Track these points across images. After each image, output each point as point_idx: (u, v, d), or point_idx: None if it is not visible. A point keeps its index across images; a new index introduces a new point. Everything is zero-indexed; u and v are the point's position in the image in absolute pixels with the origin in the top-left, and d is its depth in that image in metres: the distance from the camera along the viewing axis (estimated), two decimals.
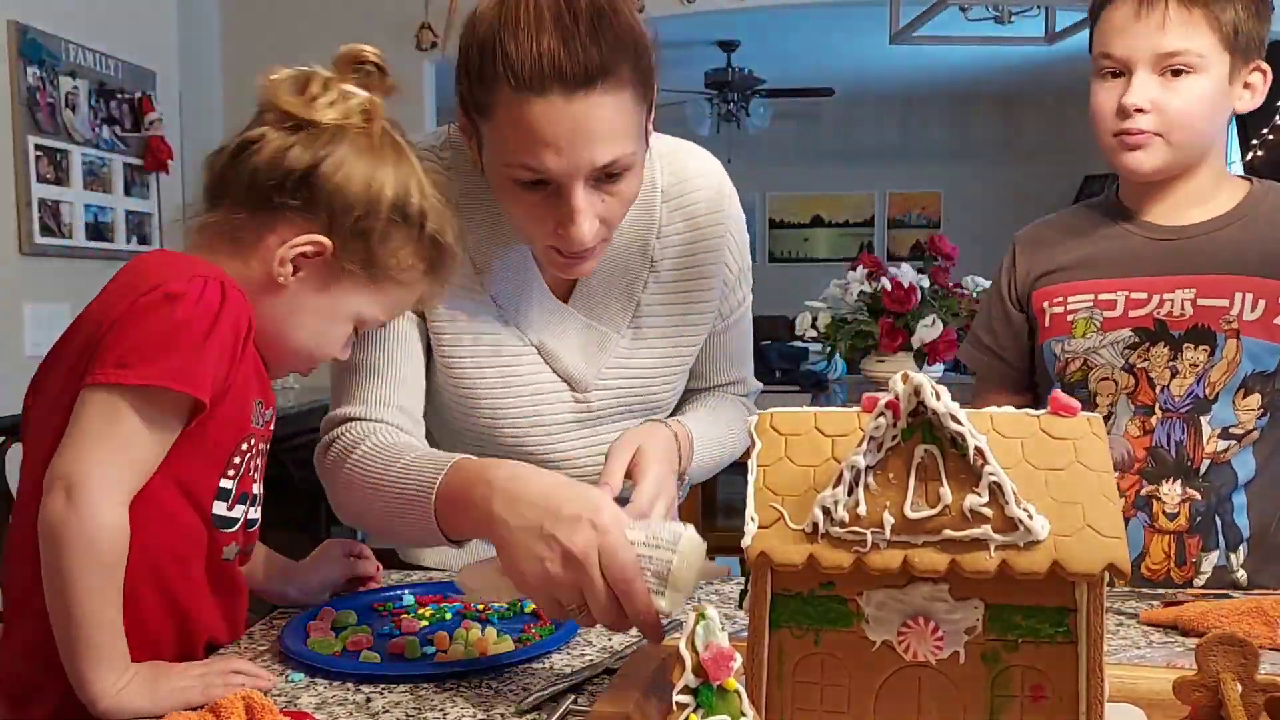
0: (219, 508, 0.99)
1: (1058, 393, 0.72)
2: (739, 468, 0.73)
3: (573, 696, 0.90)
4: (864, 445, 0.66)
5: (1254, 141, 5.70)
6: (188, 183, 3.68)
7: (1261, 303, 1.27)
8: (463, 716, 0.88)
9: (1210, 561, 1.31)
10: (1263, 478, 1.32)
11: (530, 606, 1.13)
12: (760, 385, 1.46)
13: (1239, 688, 0.72)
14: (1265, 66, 1.29)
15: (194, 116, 3.92)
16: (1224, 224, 1.31)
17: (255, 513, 1.06)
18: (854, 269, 3.31)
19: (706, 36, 6.49)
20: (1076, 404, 0.71)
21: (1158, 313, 1.30)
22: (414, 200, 1.02)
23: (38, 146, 2.98)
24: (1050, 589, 0.66)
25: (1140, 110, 1.25)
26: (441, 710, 0.90)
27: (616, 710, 0.80)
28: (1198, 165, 1.31)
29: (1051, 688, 0.67)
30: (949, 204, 8.78)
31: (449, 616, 1.13)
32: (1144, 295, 1.31)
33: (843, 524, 0.65)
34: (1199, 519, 1.30)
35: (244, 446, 1.00)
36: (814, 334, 3.38)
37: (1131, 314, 1.31)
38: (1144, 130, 1.26)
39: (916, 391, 0.65)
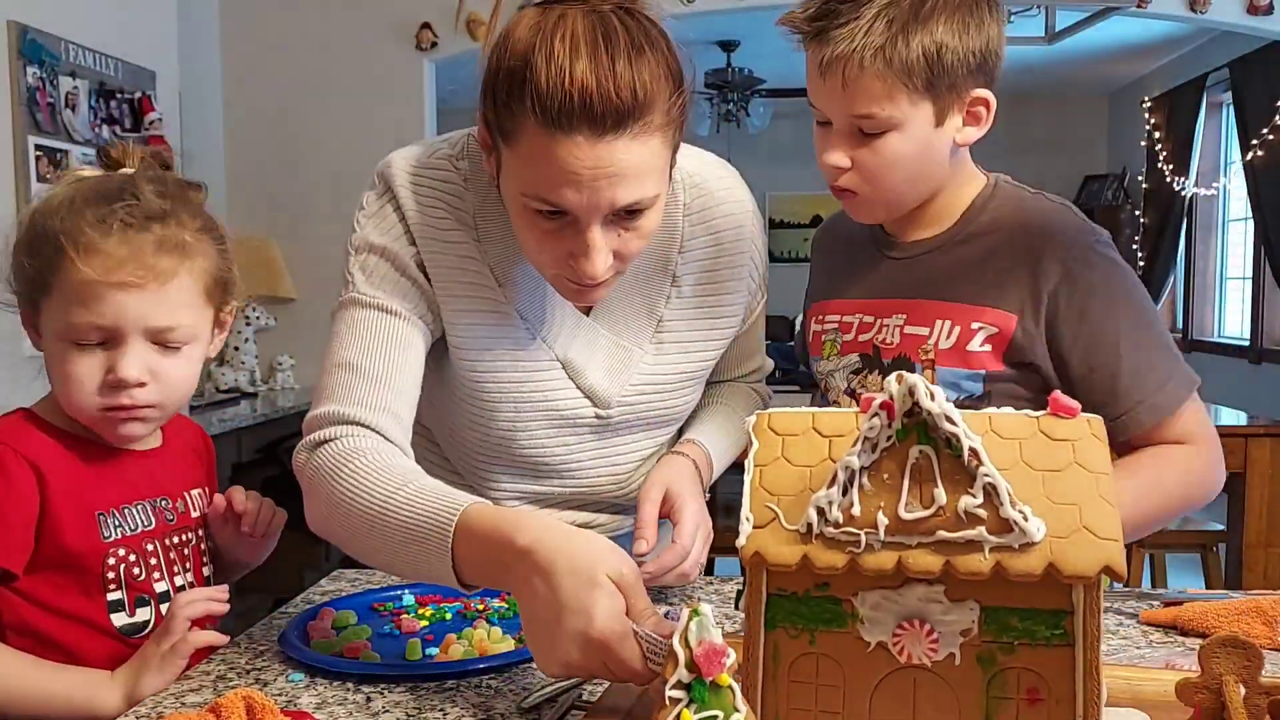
0: (118, 619, 1.05)
1: (1057, 394, 0.72)
2: (738, 468, 0.73)
3: (573, 696, 0.90)
4: (859, 446, 0.66)
5: (1254, 142, 5.70)
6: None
7: (956, 329, 1.21)
8: (463, 716, 0.89)
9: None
10: None
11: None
12: (771, 363, 1.45)
13: (1242, 690, 0.72)
14: (986, 96, 1.19)
15: (194, 116, 3.93)
16: (943, 242, 1.24)
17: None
18: None
19: (706, 36, 6.49)
20: (1076, 405, 0.71)
21: (876, 339, 1.26)
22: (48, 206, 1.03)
23: (38, 146, 2.98)
24: (1047, 591, 0.66)
25: (839, 169, 1.18)
26: (441, 710, 0.90)
27: (616, 710, 0.80)
28: (934, 194, 1.24)
29: (1048, 690, 0.67)
30: None
31: (449, 617, 1.14)
32: (871, 319, 1.27)
33: (837, 524, 0.66)
34: None
35: (111, 561, 1.04)
36: None
37: (860, 338, 1.28)
38: (847, 188, 1.19)
39: (911, 392, 0.65)
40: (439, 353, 1.19)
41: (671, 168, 1.08)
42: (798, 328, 1.41)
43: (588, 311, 1.22)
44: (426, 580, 0.97)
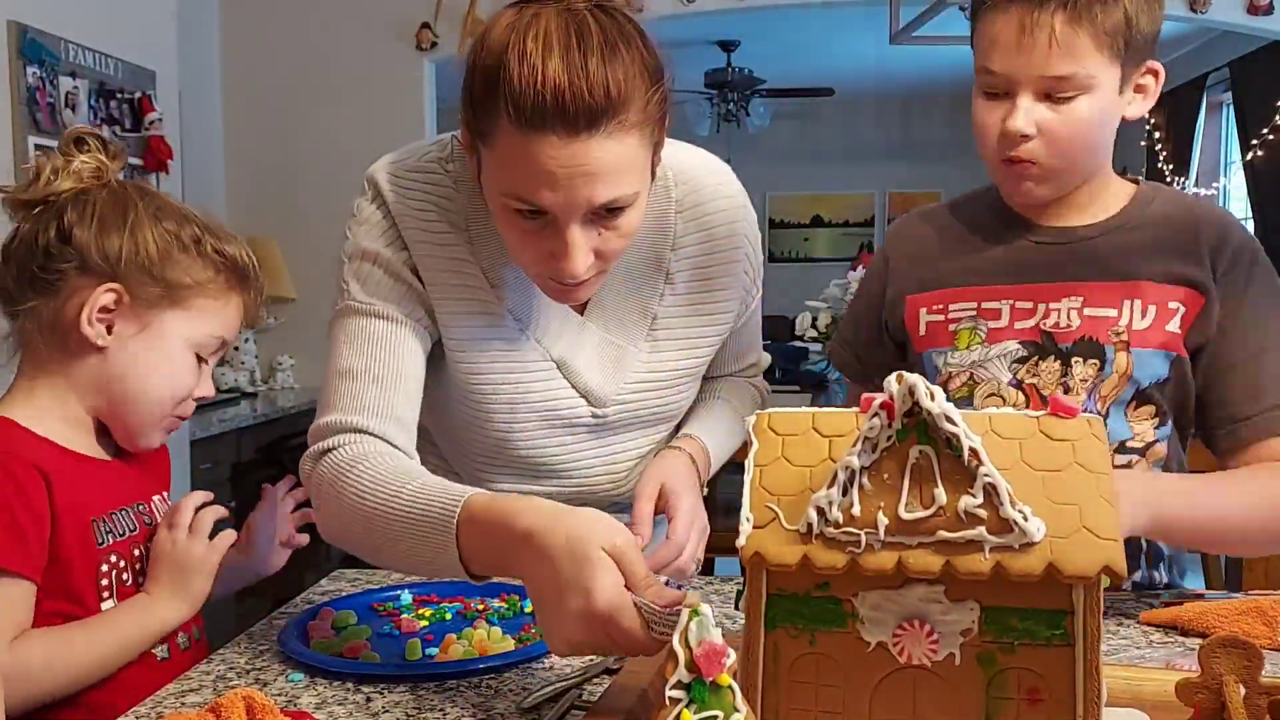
0: None
1: (1058, 394, 0.72)
2: (738, 468, 0.73)
3: (573, 696, 0.90)
4: (859, 446, 0.66)
5: (1254, 141, 5.70)
6: (188, 183, 3.68)
7: (1152, 309, 1.20)
8: (463, 716, 0.89)
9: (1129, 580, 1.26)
10: None
11: (530, 607, 1.14)
12: (769, 357, 1.45)
13: (1242, 690, 0.72)
14: (1157, 66, 1.20)
15: (194, 116, 3.92)
16: (1109, 229, 1.23)
17: None
18: (854, 269, 3.31)
19: (706, 36, 6.49)
20: (1076, 405, 0.71)
21: (1044, 323, 1.22)
22: (173, 221, 1.09)
23: (38, 146, 2.97)
24: (1047, 591, 0.66)
25: (1025, 136, 1.15)
26: (441, 710, 0.90)
27: (616, 710, 0.80)
28: (1082, 181, 1.23)
29: (1048, 690, 0.67)
30: None
31: (449, 617, 1.14)
32: (1029, 305, 1.23)
33: (837, 524, 0.66)
34: None
35: (104, 568, 1.05)
36: (814, 334, 3.39)
37: (1017, 325, 1.23)
38: (1031, 160, 1.17)
39: (911, 392, 0.65)
40: (436, 354, 1.18)
41: (655, 165, 1.08)
42: (885, 320, 1.34)
43: (582, 311, 1.21)
44: (441, 575, 0.99)
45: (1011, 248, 1.26)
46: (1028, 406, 1.22)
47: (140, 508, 1.11)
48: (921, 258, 1.31)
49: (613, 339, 1.22)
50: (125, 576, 1.07)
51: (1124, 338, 1.20)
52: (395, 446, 1.07)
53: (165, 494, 1.19)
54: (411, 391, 1.12)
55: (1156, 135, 7.01)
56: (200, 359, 1.10)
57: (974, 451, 0.65)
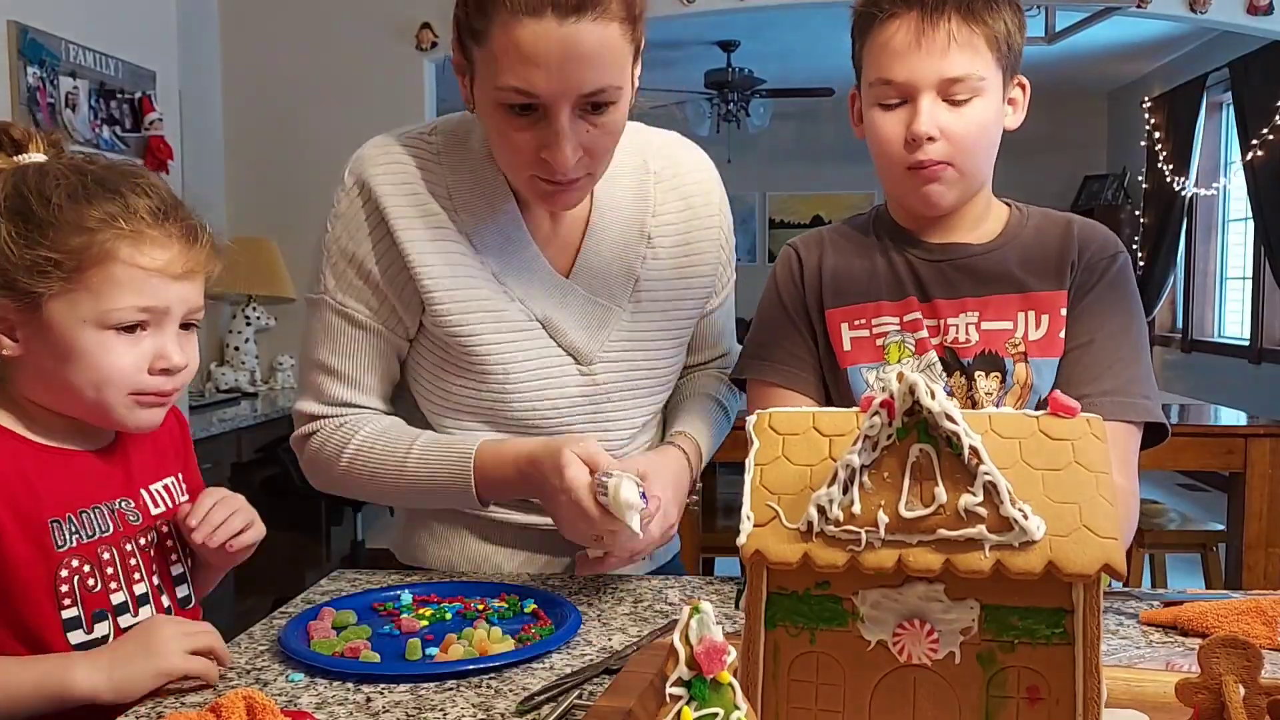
0: (76, 636, 0.98)
1: (1058, 394, 0.72)
2: (738, 467, 0.73)
3: (573, 696, 0.90)
4: (859, 444, 0.66)
5: (1254, 141, 5.70)
6: (188, 183, 3.68)
7: (1045, 318, 1.23)
8: (463, 716, 0.89)
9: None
10: None
11: (530, 606, 1.14)
12: (739, 349, 1.47)
13: (1242, 690, 0.72)
14: (1024, 80, 1.25)
15: (194, 116, 3.93)
16: (998, 245, 1.26)
17: (136, 616, 1.03)
18: None
19: (706, 36, 6.49)
20: (1076, 405, 0.71)
21: (945, 339, 1.25)
22: (22, 193, 0.98)
23: None
24: (1047, 590, 0.66)
25: (931, 139, 1.17)
26: (441, 710, 0.90)
27: (616, 709, 0.80)
28: (977, 190, 1.26)
29: (1048, 689, 0.67)
30: None
31: (449, 617, 1.14)
32: (935, 322, 1.25)
33: (837, 523, 0.66)
34: None
35: (63, 574, 0.98)
36: None
37: (933, 340, 1.25)
38: (937, 161, 1.19)
39: (912, 391, 0.65)
40: (425, 334, 1.25)
41: (634, 79, 1.15)
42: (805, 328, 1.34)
43: (568, 273, 1.27)
44: (448, 505, 1.27)
45: (909, 267, 1.28)
46: None
47: (122, 504, 1.04)
48: (833, 271, 1.31)
49: (597, 299, 1.28)
50: (92, 581, 1.00)
51: (1021, 349, 1.23)
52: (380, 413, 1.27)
53: (178, 476, 1.13)
54: (377, 385, 1.28)
55: (1156, 135, 7.01)
56: (129, 330, 0.99)
57: (974, 450, 0.65)
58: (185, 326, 1.05)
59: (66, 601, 0.98)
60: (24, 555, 0.96)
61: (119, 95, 3.31)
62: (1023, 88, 1.26)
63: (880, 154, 1.23)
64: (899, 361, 1.26)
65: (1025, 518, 0.64)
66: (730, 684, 0.62)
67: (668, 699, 0.62)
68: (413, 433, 1.26)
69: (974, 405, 1.23)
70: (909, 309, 1.26)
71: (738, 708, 0.62)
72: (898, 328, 1.26)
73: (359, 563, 1.17)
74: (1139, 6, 4.19)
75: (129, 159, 1.11)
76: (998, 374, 1.24)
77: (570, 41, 1.05)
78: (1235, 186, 6.45)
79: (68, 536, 0.99)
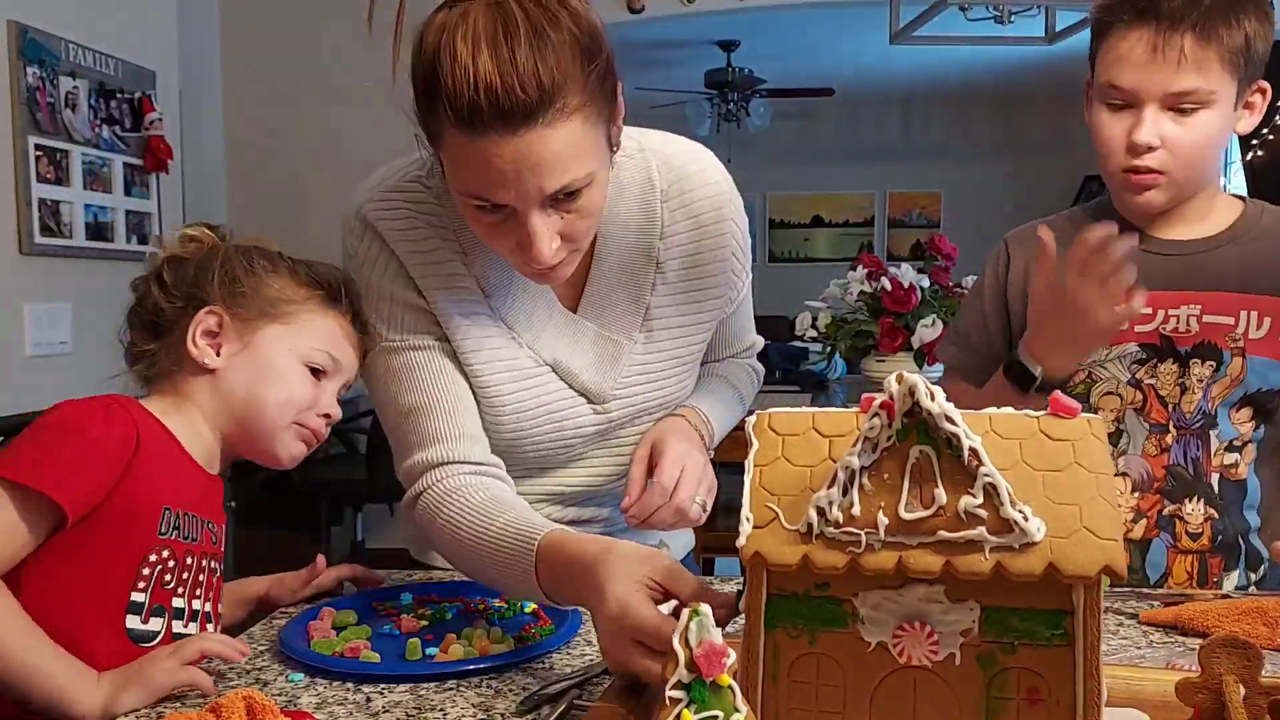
0: (131, 621, 1.02)
1: (1058, 394, 0.72)
2: (738, 467, 0.73)
3: (573, 696, 0.90)
4: (859, 446, 0.66)
5: (1254, 141, 5.70)
6: (188, 183, 3.68)
7: (1267, 320, 1.26)
8: (463, 716, 0.89)
9: (1231, 582, 1.30)
10: (1269, 498, 1.32)
11: (530, 606, 1.14)
12: (762, 340, 1.46)
13: (1242, 690, 0.72)
14: (1265, 85, 1.27)
15: (194, 116, 3.92)
16: (1224, 241, 1.29)
17: (186, 627, 1.07)
18: (854, 269, 3.31)
19: (706, 36, 6.49)
20: (1076, 405, 0.71)
21: (1164, 328, 1.28)
22: (264, 257, 1.15)
23: (38, 146, 2.98)
24: (1047, 591, 0.66)
25: (1151, 148, 1.21)
26: (441, 710, 0.90)
27: (616, 709, 0.80)
28: (1203, 187, 1.29)
29: (1048, 690, 0.67)
30: (949, 204, 8.79)
31: (450, 617, 1.14)
32: (1149, 310, 1.25)
33: (837, 524, 0.66)
34: (1220, 538, 1.29)
35: (152, 559, 1.02)
36: (814, 334, 3.38)
37: (1138, 328, 1.28)
38: (1154, 170, 1.22)
39: (911, 392, 0.65)
40: None
41: (614, 137, 1.08)
42: (1009, 312, 1.37)
43: (575, 308, 1.22)
44: (524, 599, 1.12)
45: (1134, 259, 1.25)
46: (1144, 406, 1.30)
47: (209, 525, 1.11)
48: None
49: (607, 334, 1.23)
50: (168, 577, 1.04)
51: (1240, 344, 1.27)
52: (479, 464, 1.15)
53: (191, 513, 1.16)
54: (469, 406, 1.18)
55: None
56: (315, 373, 1.13)
57: (974, 451, 0.64)
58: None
59: (140, 584, 1.02)
60: (132, 520, 1.01)
61: (119, 95, 3.31)
62: (1263, 93, 1.27)
63: (1101, 153, 1.27)
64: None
65: (1025, 519, 0.64)
66: (730, 686, 0.62)
67: (667, 701, 0.62)
68: (499, 504, 1.10)
69: (1183, 391, 1.28)
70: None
71: (738, 710, 0.62)
72: None
73: (359, 563, 1.18)
74: None
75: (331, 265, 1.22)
76: (1213, 362, 1.27)
77: (523, 153, 0.97)
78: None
79: (169, 528, 1.05)
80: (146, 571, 1.02)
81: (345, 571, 1.25)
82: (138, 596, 1.02)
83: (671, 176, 1.23)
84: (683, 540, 1.43)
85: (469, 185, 1.02)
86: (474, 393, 1.19)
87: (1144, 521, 1.31)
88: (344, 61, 4.26)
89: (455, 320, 1.17)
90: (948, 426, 0.65)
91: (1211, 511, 1.29)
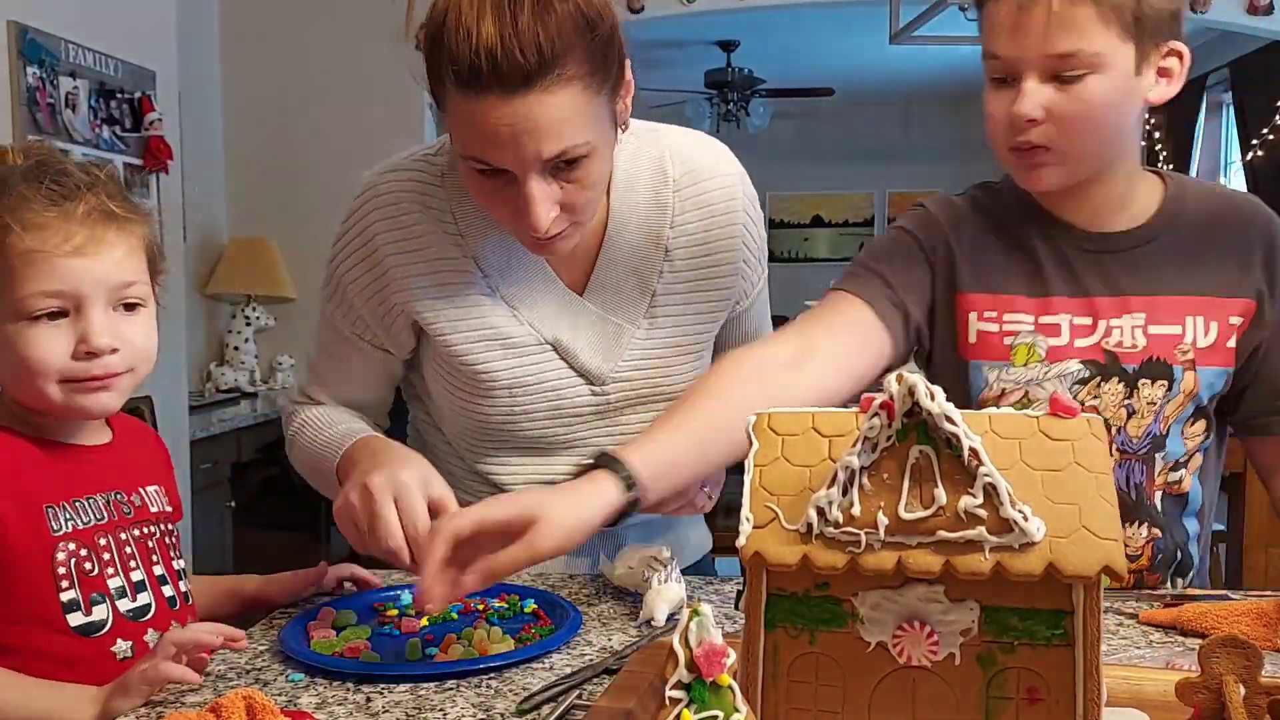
0: (75, 619, 1.00)
1: (1058, 394, 0.72)
2: (738, 468, 0.73)
3: (573, 696, 0.90)
4: (858, 446, 0.66)
5: (1254, 141, 5.70)
6: (188, 183, 3.68)
7: (1214, 325, 1.17)
8: (463, 716, 0.89)
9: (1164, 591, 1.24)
10: (1205, 502, 1.26)
11: (530, 606, 1.14)
12: None
13: (1242, 690, 0.72)
14: (1181, 48, 1.15)
15: (194, 116, 3.92)
16: (1156, 232, 1.19)
17: (134, 601, 1.05)
18: None
19: (706, 36, 6.49)
20: (1076, 405, 0.71)
21: (1106, 342, 1.17)
22: None
23: None
24: (1046, 591, 0.66)
25: (1033, 121, 1.10)
26: (441, 710, 0.90)
27: (616, 709, 0.80)
28: (1112, 167, 1.18)
29: (1048, 690, 0.67)
30: None
31: (455, 616, 1.14)
32: (1088, 320, 1.18)
33: (837, 524, 0.66)
34: (1160, 556, 1.22)
35: (60, 556, 1.00)
36: None
37: (1078, 343, 1.18)
38: (1040, 145, 1.12)
39: (911, 392, 0.65)
40: (436, 351, 1.22)
41: (620, 113, 1.10)
42: (926, 322, 1.25)
43: (582, 291, 1.23)
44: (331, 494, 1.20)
45: (1060, 257, 1.20)
46: None
47: (116, 496, 1.07)
48: (978, 249, 1.23)
49: (611, 317, 1.24)
50: (89, 565, 1.02)
51: (1190, 356, 1.17)
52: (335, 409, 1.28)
53: (160, 487, 1.15)
54: (361, 397, 1.30)
55: (1156, 135, 7.00)
56: (53, 318, 0.99)
57: (974, 451, 0.65)
58: (128, 307, 1.04)
59: (64, 584, 1.00)
60: (22, 540, 0.98)
61: (119, 95, 3.31)
62: (1178, 55, 1.15)
63: (989, 130, 1.17)
64: (1025, 364, 1.19)
65: (1025, 519, 0.64)
66: (730, 686, 0.62)
67: (667, 701, 0.62)
68: (345, 419, 1.26)
69: (1130, 414, 1.18)
70: (1048, 309, 1.19)
71: (737, 710, 0.62)
72: (1031, 328, 1.19)
73: (359, 563, 1.17)
74: None
75: (98, 159, 1.11)
76: (1164, 381, 1.17)
77: (521, 115, 0.99)
78: (1235, 186, 6.45)
79: (63, 522, 1.01)
80: (62, 571, 1.00)
81: (344, 571, 1.24)
82: (67, 595, 1.00)
83: (684, 167, 1.25)
84: (696, 541, 1.43)
85: (469, 148, 1.04)
86: (465, 372, 1.21)
87: None
88: (344, 61, 4.26)
89: (440, 304, 1.19)
90: (947, 426, 0.65)
91: (1155, 532, 1.21)
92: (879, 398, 0.66)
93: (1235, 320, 1.18)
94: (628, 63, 1.08)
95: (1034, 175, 1.16)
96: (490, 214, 1.13)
